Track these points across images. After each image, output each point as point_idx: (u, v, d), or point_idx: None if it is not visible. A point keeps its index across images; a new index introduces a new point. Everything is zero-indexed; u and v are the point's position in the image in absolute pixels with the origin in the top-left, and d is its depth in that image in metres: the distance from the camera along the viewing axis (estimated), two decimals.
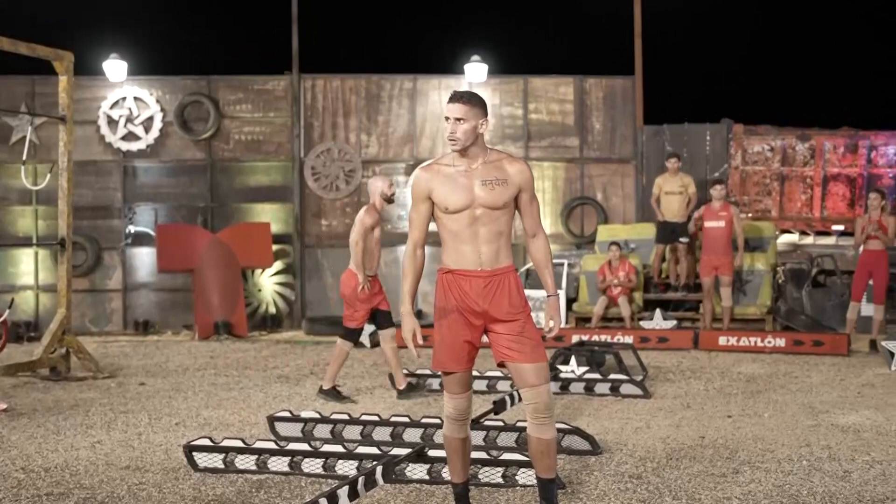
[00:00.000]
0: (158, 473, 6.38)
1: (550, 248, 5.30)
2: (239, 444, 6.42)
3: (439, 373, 5.97)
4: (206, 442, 6.48)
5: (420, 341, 5.15)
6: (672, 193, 14.73)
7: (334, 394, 9.22)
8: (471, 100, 5.02)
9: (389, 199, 9.17)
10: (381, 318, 9.42)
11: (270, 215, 17.61)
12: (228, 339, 15.22)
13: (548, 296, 5.21)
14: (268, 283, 17.47)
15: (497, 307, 5.06)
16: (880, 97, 23.99)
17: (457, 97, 5.03)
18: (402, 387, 9.30)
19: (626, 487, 5.89)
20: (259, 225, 17.08)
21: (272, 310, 17.46)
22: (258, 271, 17.36)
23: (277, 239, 17.33)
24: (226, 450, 6.39)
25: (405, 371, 9.67)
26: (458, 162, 5.10)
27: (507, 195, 5.07)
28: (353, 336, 9.30)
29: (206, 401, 9.29)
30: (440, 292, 5.16)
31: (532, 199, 5.17)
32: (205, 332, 15.42)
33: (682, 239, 14.69)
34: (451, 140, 5.01)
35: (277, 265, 17.45)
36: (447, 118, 5.01)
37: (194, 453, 6.43)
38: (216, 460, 6.39)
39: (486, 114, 5.07)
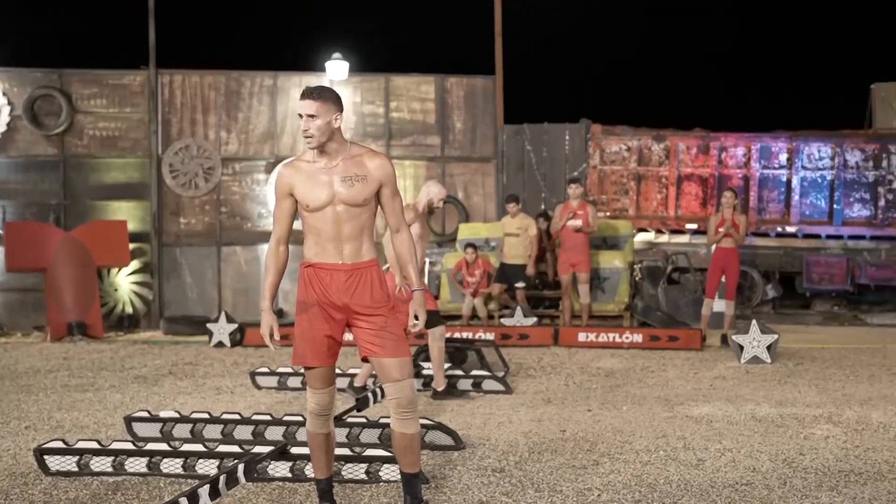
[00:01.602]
0: (5, 479, 6.14)
1: (414, 243, 5.28)
2: (94, 445, 6.22)
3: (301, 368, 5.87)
4: (59, 444, 6.26)
5: (277, 338, 5.09)
6: (511, 235, 14.50)
7: (453, 391, 9.02)
8: (321, 95, 4.95)
9: (432, 209, 8.93)
10: (429, 316, 9.08)
11: (127, 213, 17.16)
12: (83, 340, 14.75)
13: (413, 290, 5.20)
14: (124, 283, 17.02)
15: (358, 301, 5.03)
16: (729, 100, 24.88)
17: (307, 93, 4.96)
18: (441, 388, 9.05)
19: (489, 481, 5.93)
20: (115, 223, 16.62)
21: (129, 310, 17.01)
22: (114, 270, 16.89)
23: (134, 237, 16.90)
24: (80, 452, 6.19)
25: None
26: (318, 158, 5.05)
27: (368, 191, 5.03)
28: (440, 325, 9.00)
29: (59, 403, 8.98)
30: (301, 286, 5.11)
31: (394, 195, 5.14)
32: (57, 334, 14.91)
33: (518, 284, 14.48)
34: (306, 137, 4.95)
35: (134, 264, 17.02)
36: (300, 115, 4.95)
37: (45, 456, 6.20)
38: (69, 463, 6.18)
39: (340, 109, 5.00)
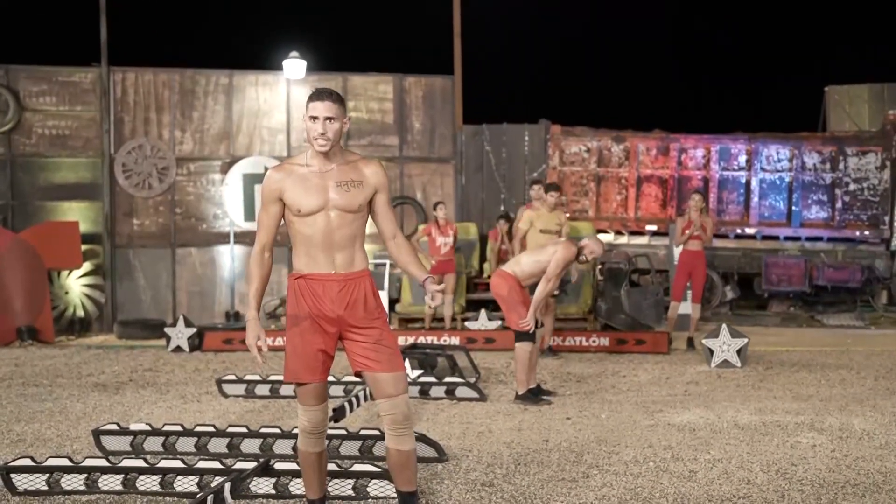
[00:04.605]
0: None
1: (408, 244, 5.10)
2: (65, 462, 5.93)
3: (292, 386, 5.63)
4: (28, 462, 5.96)
5: (265, 349, 4.87)
6: (548, 232, 11.54)
7: (531, 397, 8.90)
8: (339, 98, 4.78)
9: (579, 258, 9.04)
10: (524, 334, 8.97)
11: (78, 214, 16.73)
12: (34, 346, 14.33)
13: (424, 279, 4.97)
14: (76, 285, 16.59)
15: (352, 313, 4.83)
16: (689, 102, 24.96)
17: (326, 95, 4.75)
18: (521, 391, 8.94)
19: (480, 496, 5.74)
20: (66, 224, 16.20)
21: (80, 313, 16.58)
22: (65, 273, 16.46)
23: (86, 238, 16.48)
24: (50, 469, 5.90)
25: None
26: (312, 162, 4.83)
27: (363, 197, 4.84)
28: (528, 336, 8.86)
29: (18, 414, 8.63)
30: (292, 299, 4.89)
31: (388, 202, 4.97)
32: (6, 339, 14.47)
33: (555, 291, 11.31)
34: (322, 141, 4.72)
35: (86, 266, 16.59)
36: (314, 118, 4.71)
37: (13, 475, 5.91)
38: (39, 482, 5.89)
39: (346, 113, 4.86)
